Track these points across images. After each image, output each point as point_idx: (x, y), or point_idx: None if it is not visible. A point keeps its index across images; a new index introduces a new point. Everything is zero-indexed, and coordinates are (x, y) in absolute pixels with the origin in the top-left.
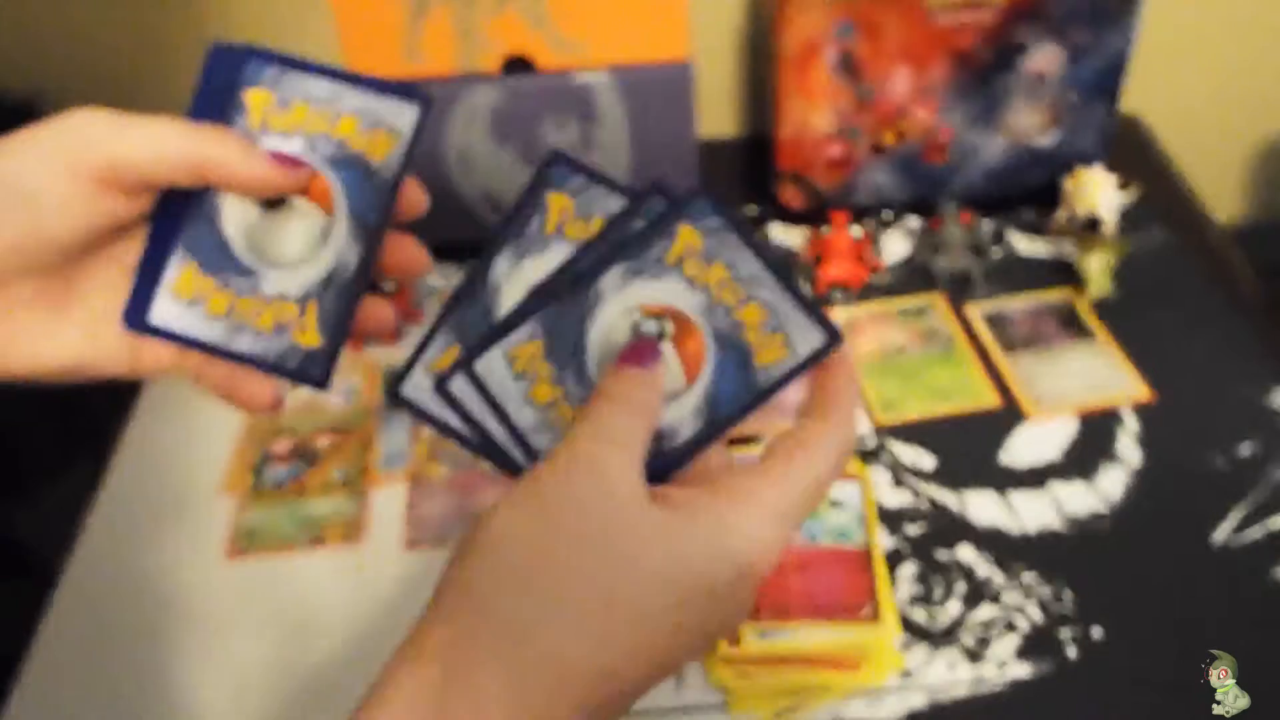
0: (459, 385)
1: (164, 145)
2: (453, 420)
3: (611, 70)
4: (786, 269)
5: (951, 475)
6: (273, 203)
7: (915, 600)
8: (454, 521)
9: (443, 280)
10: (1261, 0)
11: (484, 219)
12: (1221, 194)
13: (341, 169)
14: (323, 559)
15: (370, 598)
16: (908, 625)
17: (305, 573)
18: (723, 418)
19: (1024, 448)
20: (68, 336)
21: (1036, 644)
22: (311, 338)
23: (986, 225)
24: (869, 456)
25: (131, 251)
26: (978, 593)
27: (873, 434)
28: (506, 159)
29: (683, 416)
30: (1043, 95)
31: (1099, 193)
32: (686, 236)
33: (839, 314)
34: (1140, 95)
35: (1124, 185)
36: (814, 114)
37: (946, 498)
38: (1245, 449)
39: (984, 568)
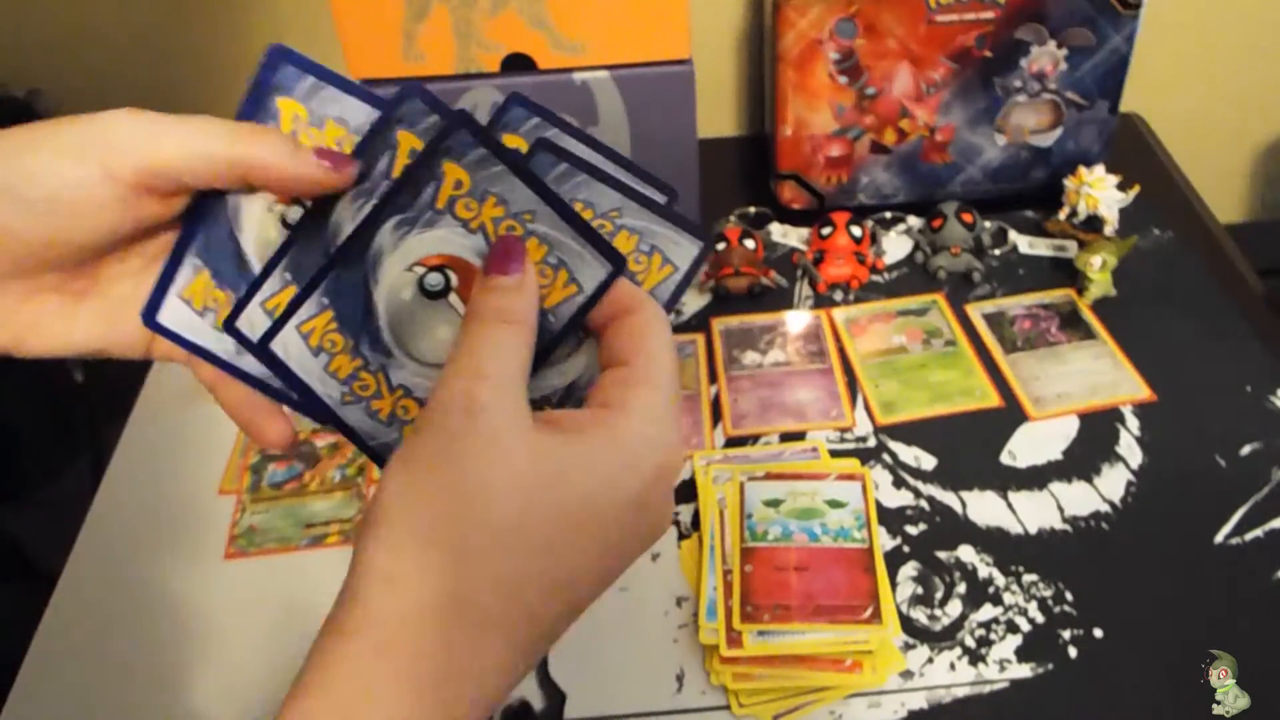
0: (275, 350)
1: (203, 146)
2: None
3: (611, 70)
4: (557, 196)
5: (952, 475)
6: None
7: (916, 601)
8: None
9: None
10: (1261, 0)
11: None
12: (1221, 194)
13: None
14: (322, 559)
15: None
16: (908, 625)
17: (304, 573)
18: None
19: (1024, 448)
20: (87, 321)
21: (1037, 644)
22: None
23: (987, 225)
24: (869, 456)
25: (158, 243)
26: (978, 593)
27: (873, 434)
28: None
29: None
30: (1043, 95)
31: (1099, 193)
32: (453, 173)
33: (839, 314)
34: (1140, 95)
35: (1124, 185)
36: (814, 114)
37: (947, 498)
38: (1246, 449)
39: (985, 568)
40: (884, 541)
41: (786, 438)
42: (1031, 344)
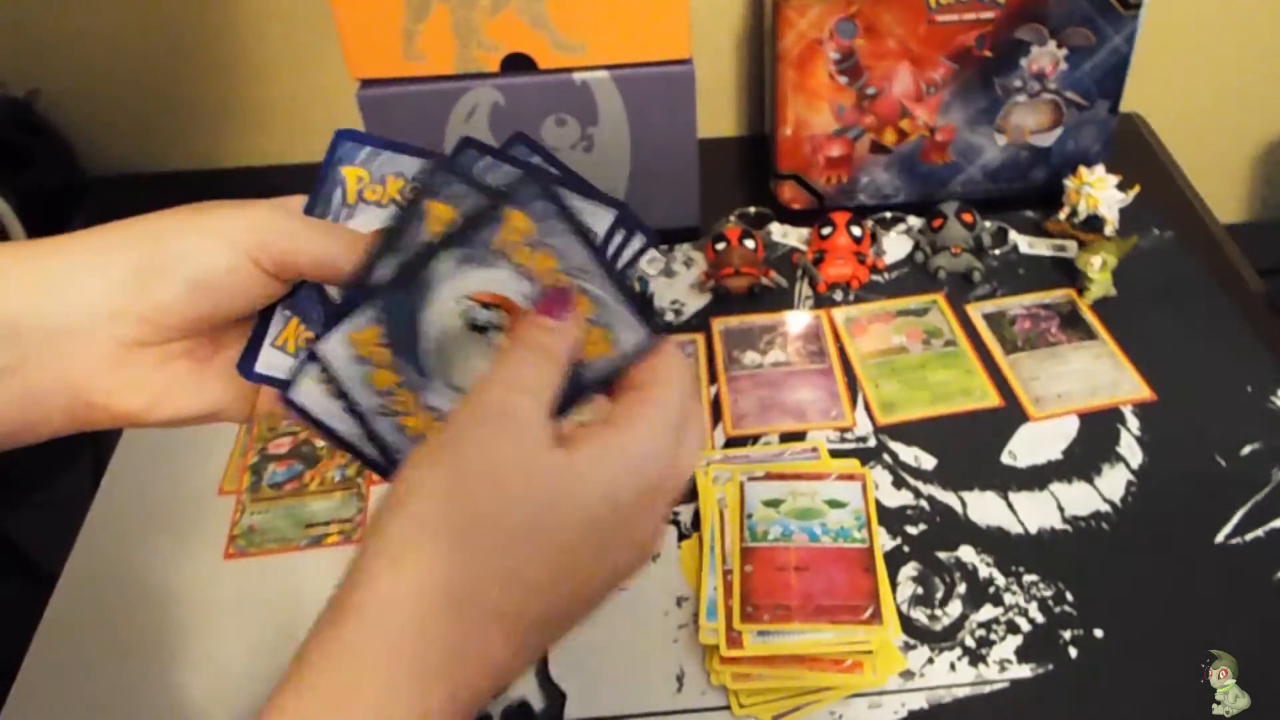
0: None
1: (331, 259)
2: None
3: (611, 70)
4: (612, 264)
5: (952, 475)
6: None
7: (916, 601)
8: None
9: None
10: (1261, 0)
11: None
12: (1221, 194)
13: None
14: (322, 559)
15: None
16: (908, 626)
17: (304, 573)
18: None
19: (1025, 448)
20: (210, 387)
21: (1038, 645)
22: None
23: (987, 225)
24: (869, 456)
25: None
26: (979, 593)
27: (873, 434)
28: None
29: None
30: (1043, 95)
31: (1099, 192)
32: (515, 221)
33: (839, 314)
34: (1140, 95)
35: (1124, 185)
36: (814, 114)
37: (947, 498)
38: (1246, 449)
39: (985, 568)
40: (884, 542)
41: (786, 438)
42: (1032, 344)
